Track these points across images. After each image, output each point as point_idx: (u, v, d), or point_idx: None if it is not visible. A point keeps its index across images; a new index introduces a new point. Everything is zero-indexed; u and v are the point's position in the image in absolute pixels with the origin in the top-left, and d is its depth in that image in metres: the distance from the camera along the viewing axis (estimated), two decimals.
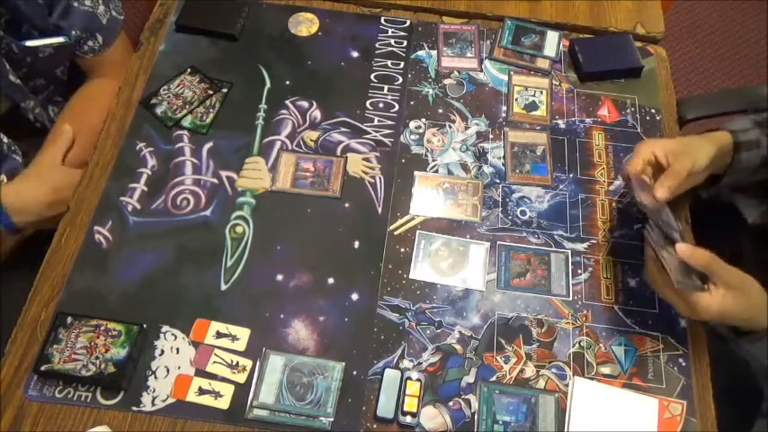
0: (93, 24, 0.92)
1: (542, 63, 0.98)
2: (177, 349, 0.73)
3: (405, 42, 1.00)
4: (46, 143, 0.91)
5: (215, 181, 0.85)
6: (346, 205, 0.84)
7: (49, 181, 0.86)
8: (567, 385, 0.73)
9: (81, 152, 0.91)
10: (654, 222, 0.72)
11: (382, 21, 1.02)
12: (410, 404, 0.70)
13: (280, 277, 0.79)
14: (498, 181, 0.87)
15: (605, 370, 0.74)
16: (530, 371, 0.74)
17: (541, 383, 0.73)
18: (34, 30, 0.87)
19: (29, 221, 0.84)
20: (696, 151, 0.74)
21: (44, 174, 0.87)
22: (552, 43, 1.00)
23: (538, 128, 0.92)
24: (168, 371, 0.72)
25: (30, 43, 0.86)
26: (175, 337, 0.74)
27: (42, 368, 0.69)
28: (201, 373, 0.72)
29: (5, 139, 0.88)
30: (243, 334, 0.74)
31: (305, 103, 0.93)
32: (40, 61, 0.88)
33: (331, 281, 0.79)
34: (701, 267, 0.65)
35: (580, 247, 0.82)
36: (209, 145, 0.88)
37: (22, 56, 0.86)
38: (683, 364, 0.75)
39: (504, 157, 0.89)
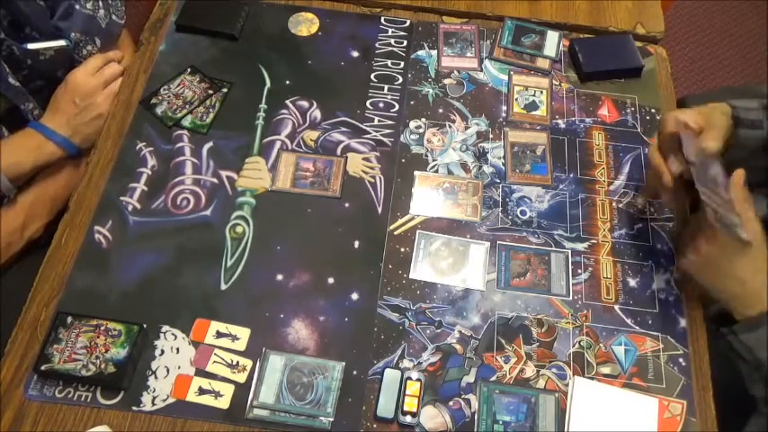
0: (93, 28, 0.93)
1: (542, 63, 0.98)
2: (177, 349, 0.73)
3: (405, 42, 1.00)
4: None
5: (215, 181, 0.86)
6: (346, 205, 0.84)
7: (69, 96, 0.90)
8: (566, 385, 0.73)
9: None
10: (700, 181, 0.71)
11: (382, 20, 1.02)
12: (410, 404, 0.70)
13: (280, 277, 0.79)
14: (498, 181, 0.87)
15: (605, 370, 0.74)
16: (530, 371, 0.74)
17: (541, 383, 0.73)
18: (36, 32, 0.87)
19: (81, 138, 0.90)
20: (719, 118, 0.75)
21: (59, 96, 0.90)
22: (552, 43, 1.00)
23: (538, 128, 0.92)
24: (168, 371, 0.72)
25: (31, 46, 0.86)
26: (175, 337, 0.74)
27: (42, 368, 0.69)
28: (201, 372, 0.72)
29: (6, 134, 0.88)
30: (243, 334, 0.74)
31: (305, 103, 0.93)
32: (40, 64, 0.89)
33: (331, 281, 0.79)
34: (740, 200, 0.68)
35: (580, 246, 0.82)
36: (209, 145, 0.88)
37: (23, 58, 0.86)
38: (683, 364, 0.75)
39: (504, 156, 0.89)
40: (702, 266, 0.72)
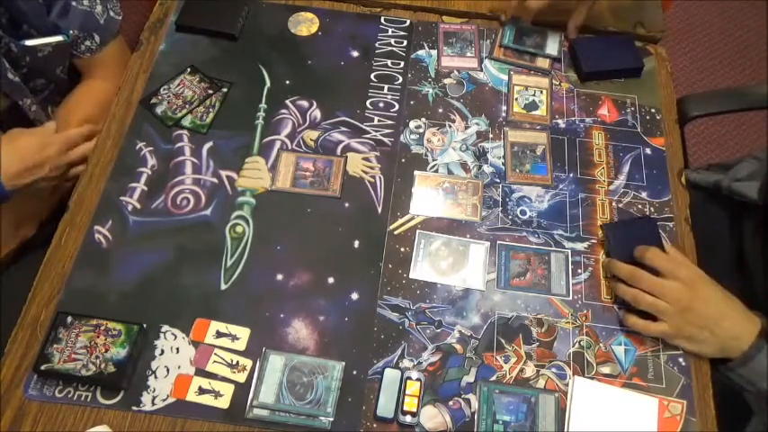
0: (91, 24, 0.93)
1: (542, 63, 0.98)
2: (177, 349, 0.73)
3: (405, 42, 1.00)
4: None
5: (215, 181, 0.86)
6: (346, 205, 0.84)
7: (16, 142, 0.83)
8: (566, 385, 0.73)
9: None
10: None
11: (382, 20, 1.02)
12: (410, 404, 0.70)
13: (280, 277, 0.79)
14: (498, 180, 0.87)
15: (605, 369, 0.74)
16: (530, 370, 0.74)
17: (541, 383, 0.73)
18: (34, 30, 0.87)
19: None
20: None
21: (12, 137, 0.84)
22: (552, 43, 1.00)
23: (538, 127, 0.92)
24: (168, 370, 0.72)
25: (29, 43, 0.86)
26: (175, 337, 0.74)
27: (42, 368, 0.69)
28: (201, 372, 0.72)
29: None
30: (243, 333, 0.74)
31: (305, 103, 0.93)
32: (39, 61, 0.89)
33: (331, 281, 0.79)
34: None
35: (580, 246, 0.82)
36: (209, 144, 0.88)
37: (22, 55, 0.86)
38: (683, 363, 0.75)
39: (504, 156, 0.89)
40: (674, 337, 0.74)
